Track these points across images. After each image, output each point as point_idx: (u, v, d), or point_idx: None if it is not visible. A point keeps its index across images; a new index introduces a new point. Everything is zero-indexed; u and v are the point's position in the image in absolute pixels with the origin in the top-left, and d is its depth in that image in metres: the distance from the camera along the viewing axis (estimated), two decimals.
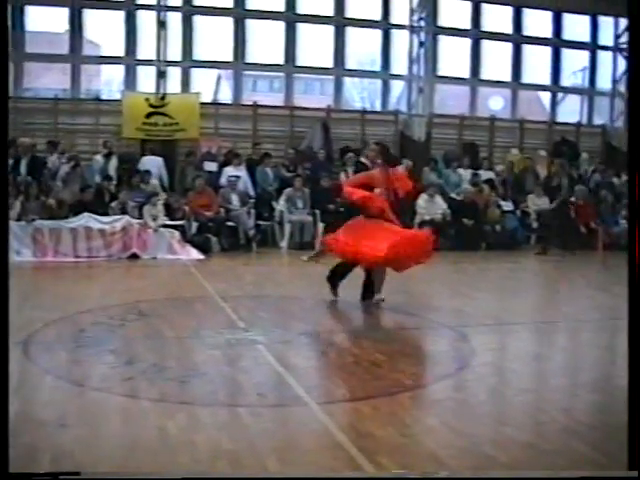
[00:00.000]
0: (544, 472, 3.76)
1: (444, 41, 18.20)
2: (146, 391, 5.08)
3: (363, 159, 8.73)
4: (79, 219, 12.51)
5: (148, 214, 13.00)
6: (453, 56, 18.48)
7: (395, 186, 8.16)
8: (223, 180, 14.83)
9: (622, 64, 19.11)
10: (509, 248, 14.78)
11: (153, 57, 16.30)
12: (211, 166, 15.43)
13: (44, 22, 16.95)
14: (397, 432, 4.37)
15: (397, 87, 18.67)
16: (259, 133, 16.90)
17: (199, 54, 16.91)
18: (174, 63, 16.62)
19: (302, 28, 17.44)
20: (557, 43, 19.07)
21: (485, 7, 18.43)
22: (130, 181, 14.16)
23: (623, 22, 18.93)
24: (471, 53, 18.48)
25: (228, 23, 17.05)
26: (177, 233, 12.88)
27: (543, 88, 19.75)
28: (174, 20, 16.54)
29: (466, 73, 18.57)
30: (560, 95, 19.65)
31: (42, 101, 16.06)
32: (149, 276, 11.28)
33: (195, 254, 12.66)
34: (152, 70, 16.41)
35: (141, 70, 16.69)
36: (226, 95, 19.61)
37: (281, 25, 17.31)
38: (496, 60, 18.82)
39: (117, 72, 17.43)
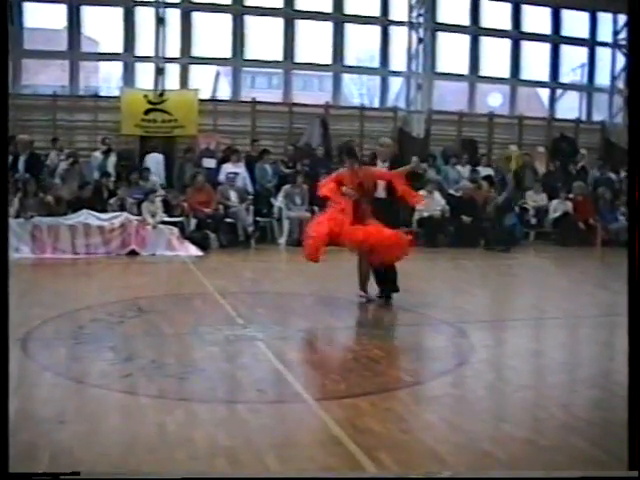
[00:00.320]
0: (544, 472, 3.76)
1: (443, 37, 18.18)
2: (145, 388, 5.09)
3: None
4: (78, 216, 12.49)
5: (147, 211, 12.99)
6: (452, 53, 18.46)
7: (364, 184, 8.13)
8: (222, 177, 14.82)
9: (621, 60, 19.12)
10: (508, 244, 14.76)
11: (152, 54, 16.28)
12: (210, 163, 15.41)
13: (42, 19, 16.93)
14: (396, 428, 4.38)
15: (396, 83, 18.66)
16: (258, 130, 16.89)
17: (198, 51, 16.90)
18: (173, 60, 16.61)
19: (301, 24, 17.42)
20: (556, 39, 19.06)
21: (484, 4, 18.41)
22: (129, 178, 14.15)
23: (622, 18, 18.93)
24: (470, 50, 18.46)
25: (227, 20, 17.03)
26: (176, 230, 12.87)
27: (542, 84, 19.74)
28: (173, 17, 16.52)
29: (465, 70, 18.56)
30: (559, 91, 19.64)
31: (40, 98, 16.04)
32: (148, 273, 11.27)
33: (194, 251, 12.65)
34: (151, 67, 16.40)
35: (140, 67, 16.67)
36: (225, 92, 19.61)
37: (280, 21, 17.29)
38: (495, 57, 18.81)
39: (116, 69, 17.44)
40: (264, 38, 17.47)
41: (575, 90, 19.97)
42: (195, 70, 17.18)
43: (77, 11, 16.24)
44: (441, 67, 18.27)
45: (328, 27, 17.60)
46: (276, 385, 5.35)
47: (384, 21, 17.86)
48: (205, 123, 16.32)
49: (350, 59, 18.17)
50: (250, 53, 17.28)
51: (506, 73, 18.84)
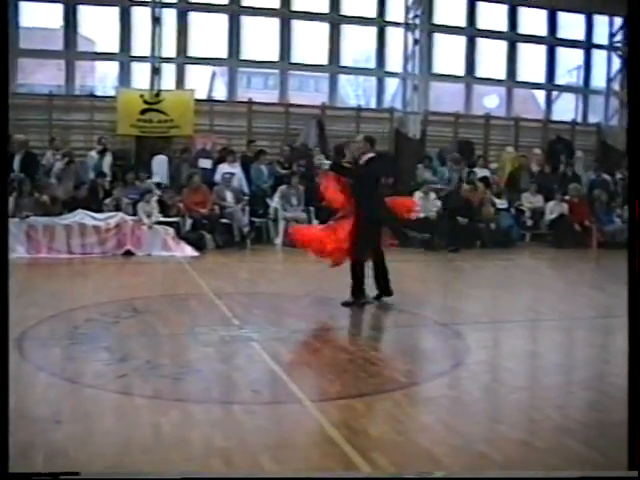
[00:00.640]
0: (544, 472, 3.76)
1: (439, 39, 18.17)
2: (140, 388, 5.08)
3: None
4: (73, 216, 12.47)
5: (142, 211, 12.97)
6: (448, 54, 18.46)
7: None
8: (218, 177, 14.80)
9: (617, 63, 19.17)
10: (503, 246, 14.79)
11: (148, 53, 16.23)
12: (206, 163, 15.39)
13: (38, 18, 16.86)
14: (391, 429, 4.38)
15: (392, 84, 18.64)
16: (254, 130, 16.87)
17: (194, 51, 16.86)
18: (169, 60, 16.56)
19: (297, 25, 17.40)
20: (552, 41, 19.07)
21: (480, 5, 18.40)
22: (124, 178, 14.13)
23: (618, 21, 18.99)
24: (466, 51, 18.46)
25: (223, 20, 17.00)
26: (171, 230, 12.85)
27: (538, 86, 19.75)
28: (169, 16, 16.48)
29: (461, 71, 18.56)
30: (555, 93, 19.65)
31: (36, 97, 16.00)
32: (143, 273, 11.26)
33: (189, 251, 12.64)
34: (147, 66, 16.35)
35: (136, 66, 16.62)
36: (221, 92, 19.56)
37: (276, 22, 17.27)
38: (491, 58, 18.81)
39: (112, 68, 17.37)
40: (260, 38, 17.45)
41: (571, 92, 19.99)
42: (191, 70, 17.14)
43: (73, 10, 16.21)
44: (437, 68, 18.25)
45: (324, 28, 17.59)
46: (271, 386, 5.35)
47: (380, 22, 17.85)
48: (201, 123, 16.30)
49: (346, 60, 18.14)
50: (246, 53, 17.25)
51: (502, 75, 18.84)
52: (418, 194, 15.03)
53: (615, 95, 19.13)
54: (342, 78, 19.02)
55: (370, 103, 19.34)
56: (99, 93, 17.54)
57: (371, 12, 17.74)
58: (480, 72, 18.64)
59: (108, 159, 14.86)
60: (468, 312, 8.32)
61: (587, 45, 19.36)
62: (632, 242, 3.50)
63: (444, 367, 5.98)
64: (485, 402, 5.23)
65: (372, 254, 8.23)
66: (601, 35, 19.27)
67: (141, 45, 16.32)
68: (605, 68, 19.38)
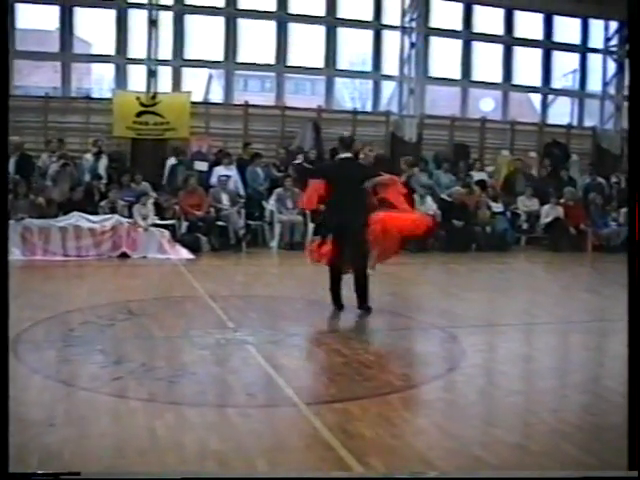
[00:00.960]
0: (542, 472, 3.76)
1: (435, 42, 18.20)
2: (135, 391, 5.07)
3: (346, 154, 8.24)
4: (68, 218, 12.46)
5: (138, 213, 12.97)
6: (444, 57, 18.50)
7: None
8: (213, 180, 14.80)
9: (612, 67, 19.20)
10: (499, 249, 14.80)
11: (144, 56, 16.23)
12: (202, 166, 15.40)
13: (34, 20, 16.89)
14: (386, 433, 4.38)
15: (388, 88, 18.66)
16: (250, 133, 16.87)
17: (190, 53, 16.87)
18: (165, 62, 16.57)
19: (293, 28, 17.42)
20: (548, 45, 19.11)
21: (476, 9, 18.44)
22: (120, 180, 14.12)
23: (613, 25, 19.04)
24: (462, 54, 18.49)
25: (219, 22, 17.01)
26: (167, 232, 12.84)
27: (534, 90, 19.80)
28: (165, 19, 16.47)
29: (457, 74, 18.59)
30: (551, 97, 19.70)
31: (32, 99, 15.98)
32: (139, 275, 11.24)
33: (185, 254, 12.63)
34: (143, 69, 16.35)
35: (132, 69, 16.62)
36: (217, 94, 19.61)
37: (272, 25, 17.28)
38: (487, 61, 18.85)
39: (108, 71, 17.39)
40: (257, 41, 17.47)
41: (567, 96, 20.03)
42: (187, 73, 17.15)
43: (69, 12, 16.20)
44: (433, 72, 18.30)
45: (321, 31, 17.60)
46: (266, 389, 5.34)
47: (377, 25, 17.88)
48: (197, 126, 16.30)
49: (343, 63, 18.17)
50: (243, 56, 17.26)
51: (498, 78, 18.89)
52: (414, 197, 15.04)
53: (611, 99, 19.18)
54: (338, 81, 19.08)
55: (366, 106, 19.41)
56: (95, 95, 17.60)
57: (367, 15, 17.77)
58: (476, 75, 18.68)
59: (104, 161, 14.86)
60: (464, 315, 8.32)
61: (583, 49, 19.42)
62: (632, 244, 3.50)
63: (439, 370, 5.98)
64: (480, 405, 5.23)
65: (350, 265, 7.99)
66: (597, 39, 19.33)
67: (137, 47, 16.33)
68: (601, 72, 19.43)
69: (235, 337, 6.75)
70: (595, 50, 19.38)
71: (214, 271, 11.63)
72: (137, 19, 16.30)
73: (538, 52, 19.12)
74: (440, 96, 19.87)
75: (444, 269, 12.74)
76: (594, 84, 19.58)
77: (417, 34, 17.58)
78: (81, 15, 16.39)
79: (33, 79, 17.88)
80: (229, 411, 4.74)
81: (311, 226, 13.81)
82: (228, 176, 14.71)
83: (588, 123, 19.63)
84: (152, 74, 16.25)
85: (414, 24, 17.54)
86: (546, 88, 19.39)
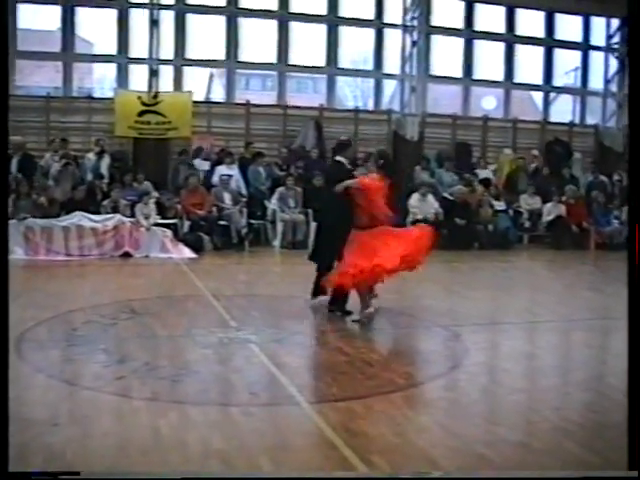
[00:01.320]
0: (543, 472, 3.76)
1: (437, 40, 18.19)
2: (138, 390, 5.08)
3: (340, 158, 8.06)
4: (71, 217, 12.47)
5: (140, 212, 12.98)
6: (446, 55, 18.49)
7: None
8: (215, 179, 14.81)
9: (614, 64, 19.18)
10: (501, 247, 14.81)
11: (146, 55, 16.24)
12: (204, 165, 15.41)
13: (36, 20, 16.91)
14: (389, 431, 4.38)
15: (390, 86, 18.66)
16: (252, 132, 16.87)
17: (192, 52, 16.87)
18: (167, 61, 16.57)
19: (295, 27, 17.41)
20: (549, 43, 19.09)
21: (478, 7, 18.43)
22: (122, 179, 14.14)
23: (615, 22, 19.01)
24: (464, 53, 18.48)
25: (221, 22, 17.00)
26: (169, 232, 12.85)
27: (536, 88, 19.78)
28: (167, 18, 16.48)
29: (459, 73, 18.58)
30: (553, 95, 19.68)
31: (34, 99, 16.00)
32: (141, 275, 11.25)
33: (187, 253, 12.64)
34: (144, 68, 16.35)
35: (133, 68, 16.63)
36: (219, 94, 19.60)
37: (274, 24, 17.27)
38: (489, 60, 18.85)
39: (109, 70, 17.39)
40: (258, 40, 17.46)
41: (569, 94, 20.03)
42: (189, 72, 17.15)
43: (71, 12, 16.20)
44: (435, 70, 18.29)
45: (322, 29, 17.60)
46: (269, 388, 5.35)
47: (378, 24, 17.87)
48: (199, 125, 16.30)
49: (344, 61, 18.16)
50: (244, 55, 17.27)
51: (500, 76, 18.87)
52: (416, 196, 15.06)
53: (613, 97, 19.16)
54: (340, 80, 19.08)
55: (368, 105, 19.41)
56: (97, 95, 17.57)
57: (369, 14, 17.76)
58: (478, 74, 18.67)
59: (106, 161, 14.88)
60: (466, 314, 8.32)
61: (585, 47, 19.40)
62: (632, 242, 3.50)
63: (442, 369, 5.98)
64: (483, 404, 5.23)
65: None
66: (598, 37, 19.31)
67: (139, 47, 16.33)
68: (602, 70, 19.41)
69: (238, 336, 6.76)
70: (597, 48, 19.35)
71: (216, 270, 11.64)
72: (138, 18, 16.30)
73: (540, 50, 19.10)
74: (442, 94, 19.87)
75: (447, 267, 12.73)
76: (596, 82, 19.55)
77: (419, 32, 17.57)
78: (83, 15, 16.42)
79: (35, 79, 17.89)
80: (232, 410, 4.75)
81: (313, 225, 13.80)
82: (230, 175, 14.71)
83: (590, 121, 19.61)
84: (154, 73, 16.26)
85: (415, 22, 17.53)
86: (548, 86, 19.37)
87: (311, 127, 16.64)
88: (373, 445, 4.15)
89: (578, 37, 19.30)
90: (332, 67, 17.81)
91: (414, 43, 17.58)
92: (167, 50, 16.52)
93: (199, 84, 18.96)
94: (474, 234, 14.96)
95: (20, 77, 16.60)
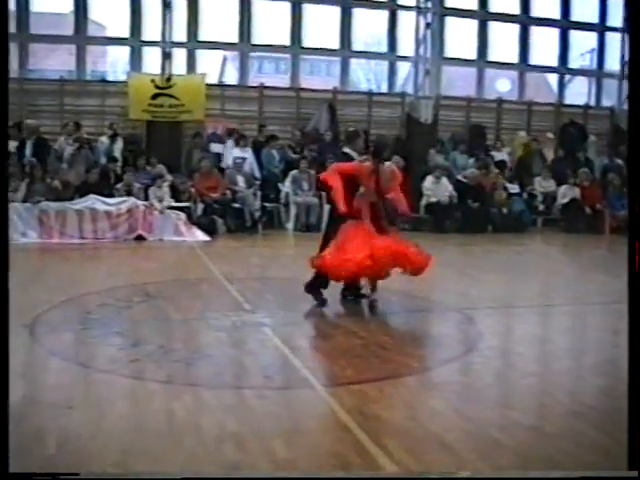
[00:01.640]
0: (544, 472, 3.74)
1: (451, 22, 18.08)
2: (152, 373, 5.10)
3: (347, 150, 7.74)
4: (85, 201, 12.52)
5: (154, 196, 13.01)
6: (460, 37, 18.37)
7: (382, 187, 7.27)
8: (229, 161, 14.81)
9: None
10: (515, 231, 14.76)
11: (158, 38, 16.23)
12: (217, 148, 15.41)
13: (49, 3, 16.90)
14: (403, 415, 4.38)
15: (404, 69, 18.60)
16: (265, 115, 16.85)
17: (204, 35, 16.84)
18: (179, 44, 16.55)
19: (308, 9, 17.34)
20: (565, 24, 18.93)
21: None
22: (136, 163, 14.16)
23: None
24: (478, 34, 18.36)
25: (234, 4, 16.96)
26: (183, 215, 12.89)
27: (551, 70, 19.65)
28: (179, 1, 16.45)
29: (473, 55, 18.47)
30: (568, 77, 19.56)
31: (48, 82, 16.04)
32: (155, 258, 11.29)
33: (201, 236, 12.67)
34: (158, 51, 16.35)
35: (146, 51, 16.63)
36: (232, 76, 19.57)
37: (287, 6, 17.21)
38: (503, 41, 18.72)
39: (122, 53, 17.40)
40: (271, 22, 17.41)
41: (584, 75, 19.90)
42: (202, 55, 17.13)
43: None
44: (449, 52, 18.19)
45: (336, 11, 17.52)
46: (283, 371, 5.36)
47: (392, 6, 17.77)
48: (212, 108, 16.30)
49: (358, 44, 18.10)
50: (257, 38, 17.22)
51: (515, 58, 18.76)
52: (430, 178, 15.03)
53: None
54: (354, 62, 19.00)
55: (382, 87, 19.32)
56: (110, 78, 17.61)
57: None
58: (492, 56, 18.57)
59: (119, 144, 14.91)
60: (480, 297, 8.31)
61: (601, 28, 19.21)
62: (632, 238, 3.48)
63: (456, 352, 5.97)
64: (496, 388, 5.22)
65: None
66: (615, 18, 19.09)
67: (152, 30, 16.32)
68: (619, 51, 19.22)
69: (252, 319, 6.77)
70: (613, 29, 19.15)
71: (230, 253, 11.66)
72: (151, 1, 16.27)
73: (555, 31, 18.96)
74: (456, 77, 19.76)
75: (460, 251, 12.71)
76: (612, 63, 19.37)
77: (432, 14, 17.46)
78: None
79: (48, 62, 17.90)
80: (246, 393, 4.76)
81: (327, 208, 13.78)
82: (244, 158, 14.71)
83: (606, 103, 19.46)
84: (167, 56, 16.25)
85: (429, 4, 17.42)
86: (563, 68, 19.24)
87: (325, 110, 16.60)
88: (387, 429, 4.15)
89: (594, 18, 19.11)
90: (346, 49, 17.74)
91: (428, 25, 17.47)
92: (180, 33, 16.51)
93: (212, 67, 18.94)
94: (488, 217, 14.92)
95: (34, 61, 16.63)
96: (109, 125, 15.17)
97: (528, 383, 5.21)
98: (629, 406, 3.36)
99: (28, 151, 13.72)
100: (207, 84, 16.25)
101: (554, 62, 19.14)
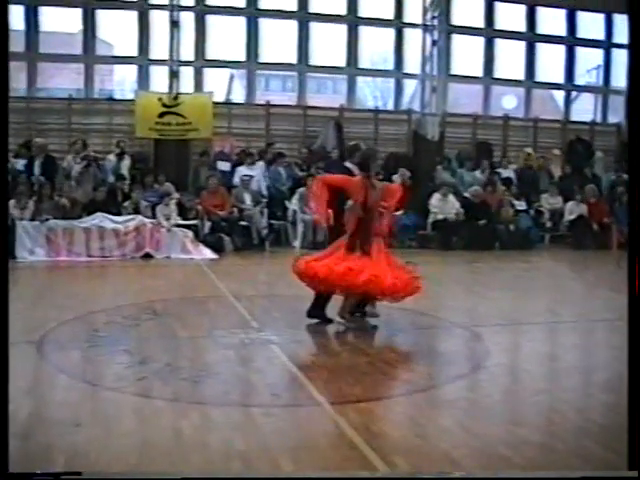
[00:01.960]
0: (545, 472, 3.73)
1: (457, 40, 18.13)
2: (160, 391, 5.09)
3: (348, 164, 7.64)
4: (92, 219, 12.54)
5: (161, 214, 13.04)
6: (466, 55, 18.41)
7: (371, 202, 7.12)
8: (236, 180, 14.85)
9: None
10: (523, 248, 14.73)
11: (166, 57, 16.31)
12: (224, 166, 15.45)
13: (57, 22, 17.01)
14: (411, 433, 4.37)
15: (410, 86, 18.63)
16: (272, 132, 16.90)
17: (212, 54, 16.91)
18: (187, 63, 16.62)
19: (315, 27, 17.41)
20: (571, 41, 18.97)
21: (498, 5, 18.35)
22: (143, 181, 14.21)
23: None
24: (484, 52, 18.40)
25: (241, 22, 17.04)
26: (190, 233, 12.90)
27: (557, 87, 19.66)
28: (187, 20, 16.54)
29: (479, 72, 18.50)
30: (574, 93, 19.55)
31: (56, 101, 16.11)
32: (162, 276, 11.30)
33: (208, 253, 12.68)
34: (165, 70, 16.43)
35: (154, 70, 16.71)
36: (239, 95, 19.65)
37: (294, 24, 17.29)
38: (510, 59, 18.75)
39: (130, 72, 17.48)
40: (278, 41, 17.49)
41: (590, 92, 19.90)
42: (209, 73, 17.20)
43: (92, 15, 16.29)
44: (455, 69, 18.22)
45: (342, 29, 17.59)
46: (291, 389, 5.35)
47: (398, 23, 17.83)
48: (219, 126, 16.34)
49: (364, 62, 18.15)
50: (264, 56, 17.29)
51: (521, 75, 18.78)
52: (437, 196, 15.03)
53: None
54: (360, 80, 19.03)
55: (388, 105, 19.35)
56: (118, 96, 17.68)
57: (389, 13, 17.74)
58: (498, 73, 18.58)
59: (127, 162, 14.95)
60: (488, 314, 8.30)
61: (607, 44, 19.23)
62: (633, 244, 3.48)
63: (464, 369, 5.95)
64: (505, 405, 5.20)
65: None
66: (621, 34, 19.12)
67: (159, 48, 16.42)
68: (625, 67, 19.23)
69: (259, 337, 6.76)
70: (619, 45, 19.17)
71: (237, 271, 11.67)
72: (159, 20, 16.38)
73: (561, 48, 18.97)
74: (462, 94, 19.80)
75: (468, 268, 12.69)
76: (618, 80, 19.38)
77: (439, 32, 17.54)
78: (103, 17, 16.49)
79: (56, 81, 18.00)
80: (254, 411, 4.75)
81: None
82: (251, 176, 14.75)
83: (612, 119, 19.45)
84: (174, 75, 16.32)
85: (436, 22, 17.50)
86: (569, 84, 19.25)
87: (331, 128, 16.63)
88: (394, 446, 4.14)
89: (600, 35, 19.14)
90: (352, 67, 17.80)
91: (434, 42, 17.55)
92: (187, 51, 16.58)
93: (219, 85, 19.02)
94: (495, 234, 14.90)
95: (42, 79, 16.72)
96: (117, 143, 15.23)
97: (536, 400, 5.19)
98: (629, 406, 3.34)
99: (36, 169, 13.78)
100: (214, 102, 16.30)
101: (560, 79, 19.16)
